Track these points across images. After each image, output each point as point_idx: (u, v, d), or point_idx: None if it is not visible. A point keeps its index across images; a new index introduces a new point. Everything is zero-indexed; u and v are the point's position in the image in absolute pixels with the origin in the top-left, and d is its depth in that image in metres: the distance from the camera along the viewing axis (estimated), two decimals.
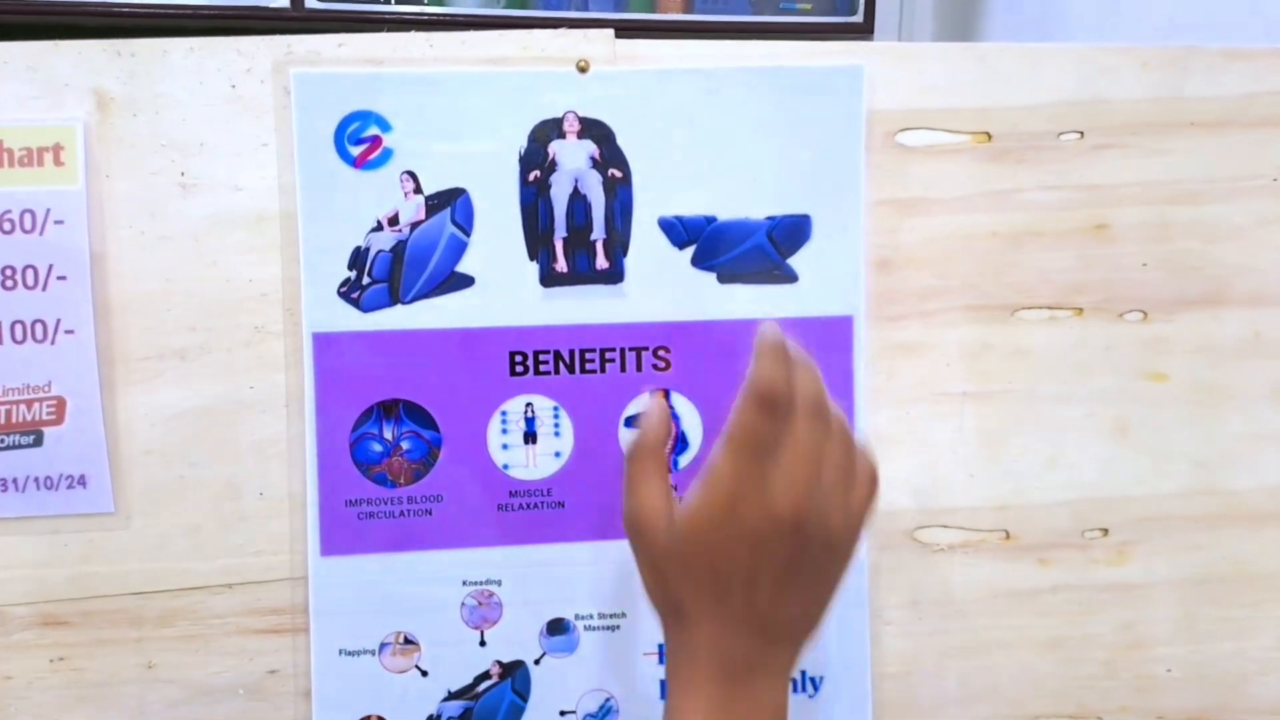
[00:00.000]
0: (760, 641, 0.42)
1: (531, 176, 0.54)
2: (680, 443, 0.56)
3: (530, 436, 0.55)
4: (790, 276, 0.56)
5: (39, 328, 0.52)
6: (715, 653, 0.42)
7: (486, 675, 0.56)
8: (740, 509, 0.42)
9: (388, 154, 0.53)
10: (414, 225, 0.54)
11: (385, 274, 0.54)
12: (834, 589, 0.45)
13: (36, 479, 0.53)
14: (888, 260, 0.57)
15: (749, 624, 0.42)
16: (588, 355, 0.55)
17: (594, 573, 0.56)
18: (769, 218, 0.55)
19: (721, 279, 0.56)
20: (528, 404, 0.55)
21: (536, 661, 0.56)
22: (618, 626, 0.57)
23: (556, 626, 0.57)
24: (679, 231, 0.55)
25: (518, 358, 0.55)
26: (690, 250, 0.56)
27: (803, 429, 0.42)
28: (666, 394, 0.56)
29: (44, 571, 0.54)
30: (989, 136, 0.57)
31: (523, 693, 0.56)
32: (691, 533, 0.43)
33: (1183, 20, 0.96)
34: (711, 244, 0.55)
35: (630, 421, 0.56)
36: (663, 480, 0.45)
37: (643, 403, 0.52)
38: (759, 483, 0.42)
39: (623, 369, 0.56)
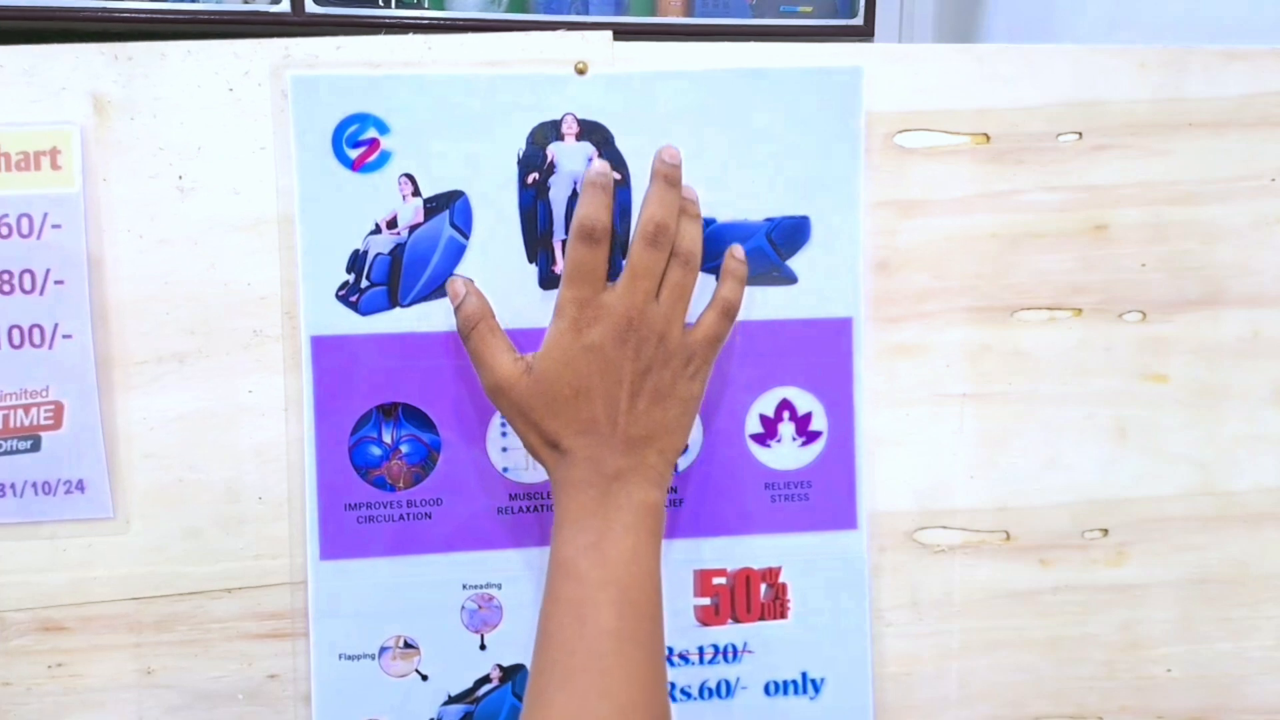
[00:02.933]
0: (626, 450, 0.49)
1: (530, 179, 0.54)
2: None
3: None
4: (790, 278, 0.56)
5: (36, 332, 0.52)
6: (590, 465, 0.49)
7: (487, 679, 0.56)
8: (584, 329, 0.49)
9: (386, 156, 0.53)
10: (412, 228, 0.53)
11: (384, 277, 0.54)
12: (684, 403, 0.50)
13: (34, 484, 0.53)
14: (887, 261, 0.57)
15: (615, 438, 0.49)
16: None
17: None
18: (768, 219, 0.55)
19: None
20: None
21: None
22: None
23: None
24: None
25: None
26: None
27: (637, 254, 0.49)
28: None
29: (42, 577, 0.54)
30: (988, 138, 0.57)
31: (523, 696, 0.56)
32: (548, 365, 0.49)
33: (1183, 21, 0.96)
34: (711, 246, 0.55)
35: None
36: (503, 340, 0.51)
37: (450, 287, 0.52)
38: (595, 303, 0.49)
39: None
